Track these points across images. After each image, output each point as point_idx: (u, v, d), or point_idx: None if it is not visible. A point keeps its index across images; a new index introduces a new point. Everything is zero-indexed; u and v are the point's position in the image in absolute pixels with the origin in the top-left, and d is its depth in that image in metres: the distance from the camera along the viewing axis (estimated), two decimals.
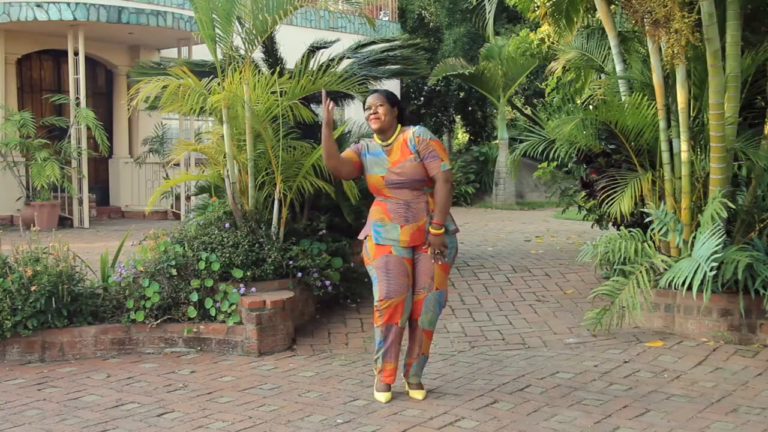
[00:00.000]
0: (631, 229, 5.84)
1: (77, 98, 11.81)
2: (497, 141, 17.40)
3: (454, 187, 4.69)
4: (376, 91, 4.44)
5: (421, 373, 4.47)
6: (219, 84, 6.05)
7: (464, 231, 11.03)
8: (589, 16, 7.47)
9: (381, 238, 4.30)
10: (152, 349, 5.58)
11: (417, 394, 4.37)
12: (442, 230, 4.23)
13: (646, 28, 5.50)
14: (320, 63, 6.77)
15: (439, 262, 4.26)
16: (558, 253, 8.41)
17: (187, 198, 12.21)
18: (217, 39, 6.14)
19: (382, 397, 4.35)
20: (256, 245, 5.92)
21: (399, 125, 4.36)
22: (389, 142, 4.32)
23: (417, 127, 4.34)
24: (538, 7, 7.55)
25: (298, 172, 6.12)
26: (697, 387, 4.49)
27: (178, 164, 11.98)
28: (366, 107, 4.34)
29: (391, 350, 4.33)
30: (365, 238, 4.40)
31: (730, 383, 4.55)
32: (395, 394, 4.43)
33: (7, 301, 5.25)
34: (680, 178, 5.68)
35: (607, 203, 6.03)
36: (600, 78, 7.44)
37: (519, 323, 6.02)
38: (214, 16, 6.05)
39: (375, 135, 4.39)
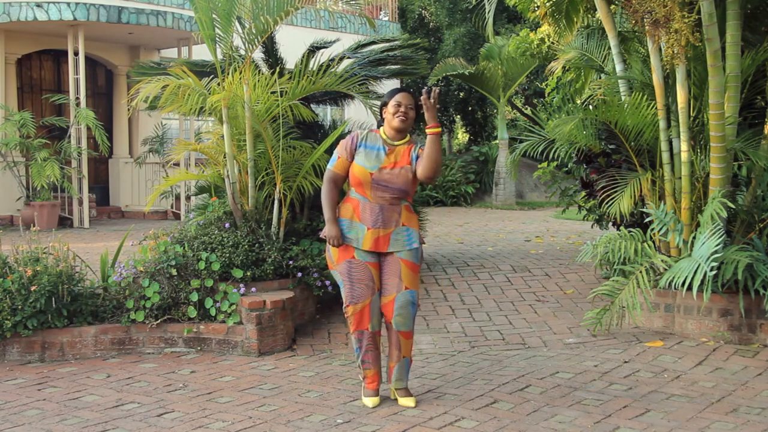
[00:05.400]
0: (631, 229, 5.84)
1: (77, 98, 11.82)
2: (497, 141, 17.40)
3: (437, 178, 4.57)
4: (404, 89, 4.30)
5: (406, 378, 4.34)
6: (219, 84, 6.06)
7: (464, 231, 11.04)
8: (589, 16, 7.47)
9: (344, 238, 4.21)
10: (152, 349, 5.58)
11: (406, 402, 4.25)
12: (437, 129, 4.14)
13: (646, 28, 5.50)
14: (320, 63, 6.77)
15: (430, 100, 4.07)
16: (558, 253, 8.41)
17: (187, 198, 12.22)
18: (217, 39, 6.14)
19: (369, 402, 4.28)
20: (256, 245, 5.92)
21: (408, 135, 4.34)
22: (396, 143, 4.27)
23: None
24: (538, 7, 7.56)
25: (298, 172, 6.12)
26: (697, 387, 4.49)
27: (178, 164, 11.98)
28: (394, 103, 4.22)
29: (368, 356, 4.26)
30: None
31: (730, 383, 4.55)
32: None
33: (7, 301, 5.25)
34: (680, 178, 5.68)
35: (607, 203, 6.03)
36: (600, 78, 7.44)
37: (519, 323, 6.02)
38: (214, 16, 6.05)
39: (384, 130, 4.28)
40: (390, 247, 4.23)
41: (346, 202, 4.29)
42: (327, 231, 4.21)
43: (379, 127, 4.39)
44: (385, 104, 4.31)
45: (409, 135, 4.35)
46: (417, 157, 4.26)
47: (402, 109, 4.22)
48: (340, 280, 4.25)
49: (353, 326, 4.23)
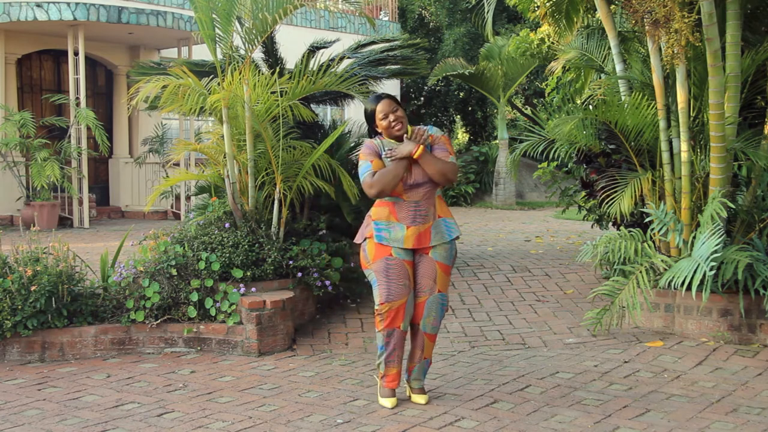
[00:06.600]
0: (631, 229, 5.84)
1: (77, 98, 11.82)
2: (497, 141, 17.40)
3: (455, 179, 4.58)
4: (380, 97, 4.27)
5: (424, 378, 4.38)
6: (219, 84, 6.06)
7: (464, 231, 11.04)
8: (589, 16, 7.47)
9: (384, 238, 4.21)
10: (152, 349, 5.58)
11: (419, 399, 4.29)
12: (418, 150, 4.11)
13: (646, 28, 5.50)
14: (320, 63, 6.77)
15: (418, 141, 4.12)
16: (558, 253, 8.41)
17: (187, 198, 12.22)
18: (217, 39, 6.14)
19: (387, 402, 4.26)
20: (256, 245, 5.92)
21: (409, 126, 4.32)
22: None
23: (429, 127, 4.32)
24: (538, 7, 7.56)
25: (298, 172, 6.12)
26: (697, 387, 4.49)
27: (178, 164, 11.98)
28: (380, 117, 4.20)
29: (393, 355, 4.24)
30: (364, 240, 4.31)
31: (730, 383, 4.55)
32: (395, 393, 4.43)
33: (7, 301, 5.25)
34: (680, 178, 5.68)
35: (607, 203, 6.03)
36: (600, 78, 7.44)
37: (519, 323, 6.02)
38: (214, 16, 6.05)
39: (386, 136, 4.26)
40: (432, 240, 4.22)
41: (380, 206, 4.27)
42: (400, 150, 4.14)
43: (370, 136, 4.36)
44: (370, 117, 4.28)
45: (410, 126, 4.32)
46: (430, 147, 4.24)
47: (392, 118, 4.21)
48: (374, 279, 4.21)
49: (385, 323, 4.18)
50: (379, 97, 4.27)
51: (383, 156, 4.18)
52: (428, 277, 4.22)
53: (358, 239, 4.38)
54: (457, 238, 4.35)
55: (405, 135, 4.22)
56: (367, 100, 4.38)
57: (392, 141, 4.26)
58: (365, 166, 4.19)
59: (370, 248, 4.25)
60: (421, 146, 4.14)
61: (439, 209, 4.28)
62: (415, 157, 4.12)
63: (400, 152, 4.13)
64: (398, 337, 4.22)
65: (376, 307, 4.22)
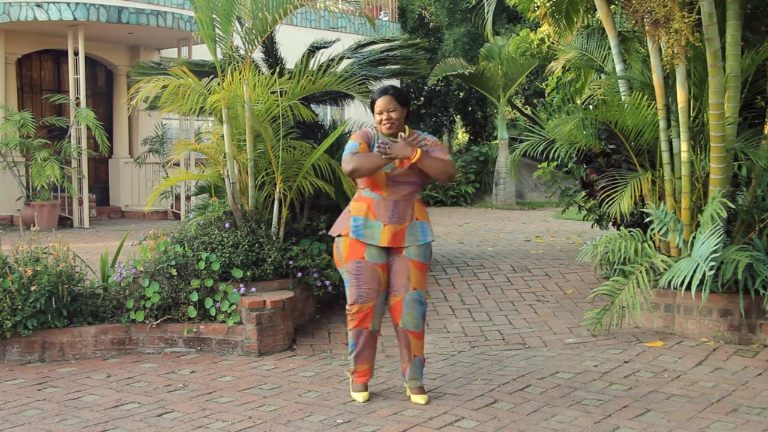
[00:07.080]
0: (631, 229, 5.84)
1: (77, 98, 11.82)
2: (497, 141, 17.40)
3: (453, 178, 4.62)
4: (385, 91, 4.30)
5: (420, 377, 4.37)
6: (219, 84, 6.06)
7: (464, 231, 11.04)
8: (589, 16, 7.47)
9: (360, 234, 4.21)
10: (152, 349, 5.58)
11: (419, 399, 4.29)
12: (417, 155, 4.10)
13: (646, 28, 5.50)
14: (320, 63, 6.78)
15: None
16: (558, 253, 8.41)
17: (187, 198, 12.22)
18: (217, 39, 6.14)
19: (359, 396, 4.33)
20: (256, 245, 5.92)
21: (406, 126, 4.35)
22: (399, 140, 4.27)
23: (426, 134, 4.36)
24: (538, 7, 7.55)
25: (298, 172, 6.12)
26: (697, 387, 4.49)
27: (178, 164, 11.98)
28: (377, 111, 4.27)
29: (362, 353, 4.32)
30: (338, 237, 4.30)
31: (730, 383, 4.55)
32: (395, 394, 4.43)
33: (7, 301, 5.25)
34: (680, 178, 5.68)
35: (607, 203, 6.03)
36: (600, 78, 7.44)
37: (519, 323, 6.02)
38: (214, 16, 6.05)
39: (379, 131, 4.33)
40: (406, 241, 4.24)
41: (359, 201, 4.29)
42: (395, 149, 4.09)
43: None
44: (372, 107, 4.35)
45: (407, 127, 4.36)
46: (428, 150, 4.25)
47: (384, 116, 4.26)
48: (347, 278, 4.26)
49: (354, 323, 4.27)
50: (385, 91, 4.32)
51: (376, 146, 4.19)
52: (402, 275, 4.25)
53: (333, 232, 4.37)
54: (432, 240, 4.36)
55: (401, 134, 4.20)
56: (373, 94, 4.42)
57: (386, 134, 4.30)
58: (352, 145, 4.24)
59: (344, 246, 4.27)
60: (420, 150, 4.14)
61: (417, 212, 4.30)
62: (414, 161, 4.13)
63: (396, 153, 4.12)
64: (366, 337, 4.29)
65: (347, 307, 4.28)
